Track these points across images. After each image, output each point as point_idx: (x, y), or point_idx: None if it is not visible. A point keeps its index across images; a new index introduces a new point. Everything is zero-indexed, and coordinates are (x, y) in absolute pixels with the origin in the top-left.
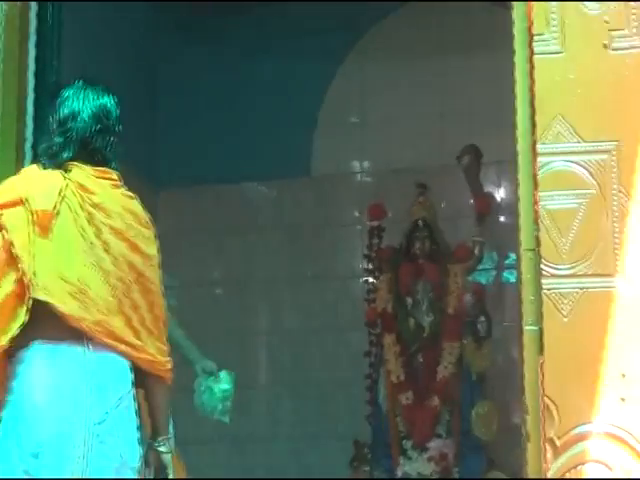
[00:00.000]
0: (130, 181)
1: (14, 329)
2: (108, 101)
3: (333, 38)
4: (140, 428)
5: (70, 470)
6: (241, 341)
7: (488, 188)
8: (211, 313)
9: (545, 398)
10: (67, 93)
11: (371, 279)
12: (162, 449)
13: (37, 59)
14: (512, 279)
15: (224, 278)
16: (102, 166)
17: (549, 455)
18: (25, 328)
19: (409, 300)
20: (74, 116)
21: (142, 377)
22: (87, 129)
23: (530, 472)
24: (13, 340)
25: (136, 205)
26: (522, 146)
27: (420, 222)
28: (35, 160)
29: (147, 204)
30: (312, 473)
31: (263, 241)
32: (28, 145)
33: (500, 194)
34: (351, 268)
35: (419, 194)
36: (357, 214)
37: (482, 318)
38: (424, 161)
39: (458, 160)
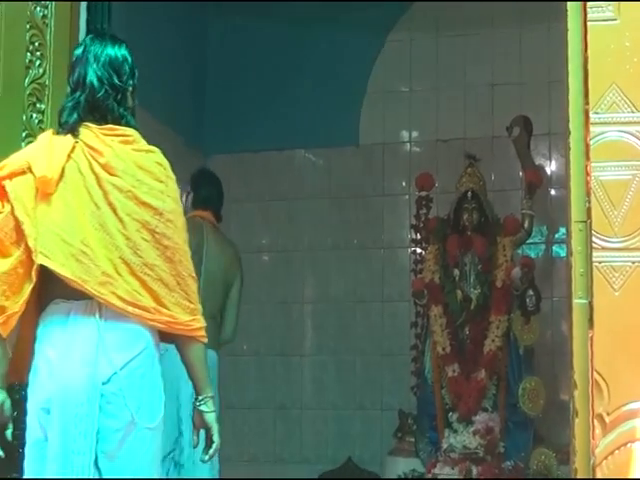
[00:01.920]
0: (178, 148)
1: (24, 295)
2: (117, 56)
3: (383, 7)
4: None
5: (76, 428)
6: (287, 309)
7: (538, 161)
8: (257, 280)
9: (594, 373)
10: (75, 54)
11: (418, 249)
12: (203, 408)
13: (88, 22)
14: (562, 254)
15: (270, 245)
16: (116, 124)
17: (597, 431)
18: (49, 288)
19: (456, 272)
20: (80, 80)
21: (173, 337)
22: (94, 92)
23: (577, 448)
24: (40, 301)
25: (150, 159)
26: (574, 116)
27: (469, 193)
28: None
29: (194, 170)
30: (356, 442)
31: (310, 209)
32: None
33: (550, 167)
34: (398, 238)
35: (468, 165)
36: (405, 184)
37: (531, 292)
38: (473, 132)
39: (508, 131)
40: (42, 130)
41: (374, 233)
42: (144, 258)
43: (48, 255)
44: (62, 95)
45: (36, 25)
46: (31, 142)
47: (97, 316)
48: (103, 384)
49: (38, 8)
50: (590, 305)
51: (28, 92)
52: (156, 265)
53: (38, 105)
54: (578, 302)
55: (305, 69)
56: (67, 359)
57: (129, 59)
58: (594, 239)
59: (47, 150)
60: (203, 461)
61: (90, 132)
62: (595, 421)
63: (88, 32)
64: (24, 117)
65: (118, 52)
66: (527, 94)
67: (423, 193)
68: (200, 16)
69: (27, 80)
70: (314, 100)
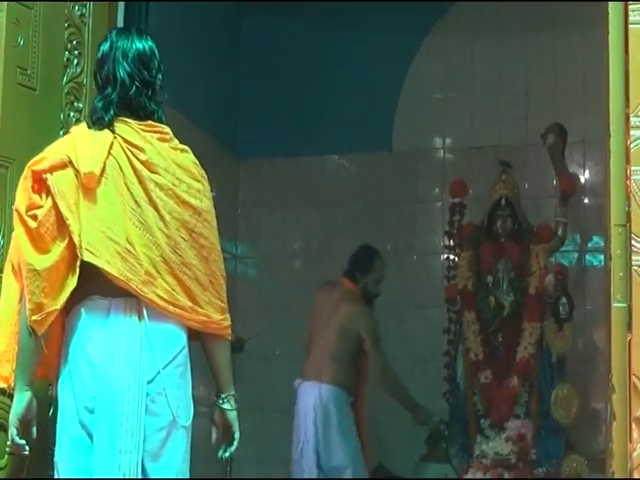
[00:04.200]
0: (212, 151)
1: (66, 293)
2: (145, 50)
3: (418, 12)
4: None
5: (123, 427)
6: None
7: (572, 169)
8: (290, 284)
9: (633, 376)
10: (102, 51)
11: (451, 256)
12: (226, 406)
13: (125, 22)
14: (595, 262)
15: (303, 250)
16: (148, 119)
17: (635, 435)
18: (83, 283)
19: (489, 278)
20: (110, 78)
21: (199, 334)
22: (125, 89)
23: (615, 451)
24: (70, 298)
25: (187, 158)
26: (615, 119)
27: (502, 200)
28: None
29: (228, 174)
30: (388, 447)
31: (343, 215)
32: None
33: (584, 175)
34: (431, 244)
35: (502, 172)
36: (438, 190)
37: (564, 300)
38: (507, 139)
39: (542, 139)
40: None
41: (407, 239)
42: (183, 257)
43: (94, 252)
44: None
45: (74, 24)
46: None
47: (139, 316)
48: (148, 383)
49: (77, 7)
50: (629, 308)
51: (66, 91)
52: (193, 264)
53: (76, 104)
54: (617, 306)
55: (339, 73)
56: (111, 358)
57: (156, 52)
58: (633, 242)
59: (87, 145)
60: (223, 459)
61: (129, 128)
62: (633, 424)
63: None
64: (62, 116)
65: (146, 46)
66: (561, 102)
67: (457, 200)
68: (235, 18)
69: (65, 79)
70: (348, 105)
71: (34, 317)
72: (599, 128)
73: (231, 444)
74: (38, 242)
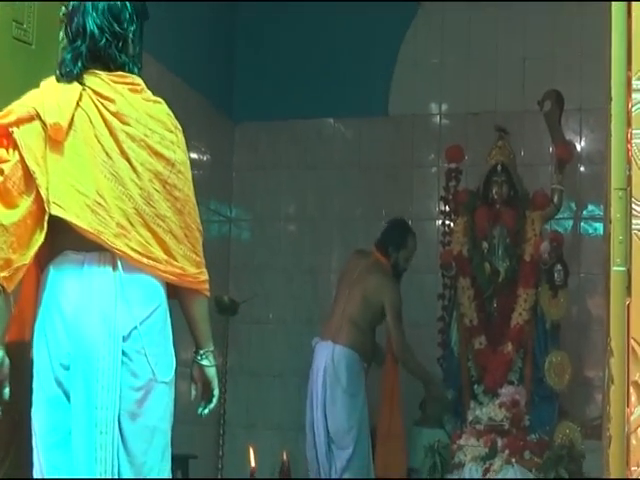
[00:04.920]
0: (207, 114)
1: (34, 248)
2: (116, 2)
3: None
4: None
5: (99, 383)
6: (314, 278)
7: (569, 136)
8: (284, 249)
9: (631, 340)
10: (72, 4)
11: (447, 222)
12: (204, 362)
13: None
14: (590, 230)
15: (298, 214)
16: (119, 71)
17: (633, 399)
18: (56, 239)
19: (485, 244)
20: (80, 31)
21: (177, 290)
22: (95, 42)
23: (612, 415)
24: (44, 253)
25: (160, 109)
26: (616, 82)
27: (498, 166)
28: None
29: (223, 137)
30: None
31: (338, 179)
32: None
33: (581, 143)
34: (427, 210)
35: (498, 138)
36: (434, 156)
37: (559, 267)
38: (504, 105)
39: (539, 105)
40: None
41: (403, 204)
42: (156, 209)
43: (62, 206)
44: None
45: None
46: None
47: (113, 269)
48: (124, 338)
49: None
50: (628, 272)
51: (62, 45)
52: (167, 217)
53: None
54: (616, 269)
55: (336, 37)
56: (85, 312)
57: (128, 5)
58: (634, 206)
59: (55, 97)
60: (203, 416)
61: (99, 79)
62: (631, 388)
63: None
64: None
65: None
66: (559, 68)
67: (453, 165)
68: None
69: (61, 33)
70: (344, 68)
71: (3, 273)
72: (597, 96)
73: (210, 401)
74: (5, 197)
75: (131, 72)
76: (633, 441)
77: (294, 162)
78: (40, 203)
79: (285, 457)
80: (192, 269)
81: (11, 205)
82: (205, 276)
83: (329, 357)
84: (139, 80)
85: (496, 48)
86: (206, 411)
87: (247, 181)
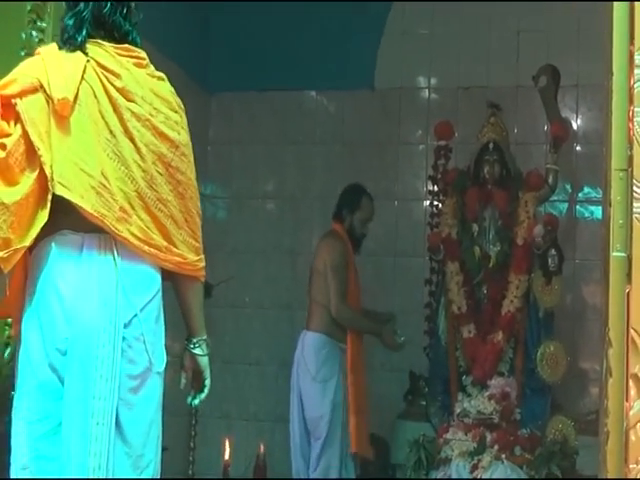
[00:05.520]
0: (182, 83)
1: (36, 229)
2: None
3: None
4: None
5: (97, 371)
6: (293, 260)
7: (565, 113)
8: (262, 228)
9: (631, 330)
10: None
11: (435, 202)
12: (197, 351)
13: None
14: (586, 214)
15: (277, 191)
16: (124, 42)
17: (632, 392)
18: (52, 217)
19: (475, 227)
20: None
21: (172, 274)
22: (99, 6)
23: (610, 410)
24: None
25: (164, 87)
26: (618, 57)
27: (490, 144)
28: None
29: (198, 109)
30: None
31: (320, 155)
32: None
33: (577, 121)
34: (414, 189)
35: (490, 114)
36: (422, 132)
37: (553, 252)
38: (497, 80)
39: (534, 81)
40: None
41: (388, 183)
42: (159, 193)
43: (67, 186)
44: None
45: None
46: None
47: (113, 254)
48: (125, 326)
49: None
50: (629, 258)
51: (28, 8)
52: (169, 201)
53: (39, 23)
54: (616, 255)
55: (319, 4)
56: (85, 297)
57: None
58: (635, 188)
59: (59, 68)
60: (193, 405)
61: (103, 51)
62: (630, 381)
63: None
64: (23, 35)
65: None
66: (554, 43)
67: (442, 142)
68: None
69: None
70: (328, 38)
71: (0, 254)
72: (595, 71)
73: (201, 391)
74: (6, 173)
75: (134, 42)
76: (632, 437)
77: (273, 136)
78: (43, 181)
79: (262, 449)
80: (191, 255)
81: (12, 182)
82: (203, 263)
83: (300, 346)
84: (144, 54)
85: (489, 19)
86: (196, 401)
87: (223, 156)
